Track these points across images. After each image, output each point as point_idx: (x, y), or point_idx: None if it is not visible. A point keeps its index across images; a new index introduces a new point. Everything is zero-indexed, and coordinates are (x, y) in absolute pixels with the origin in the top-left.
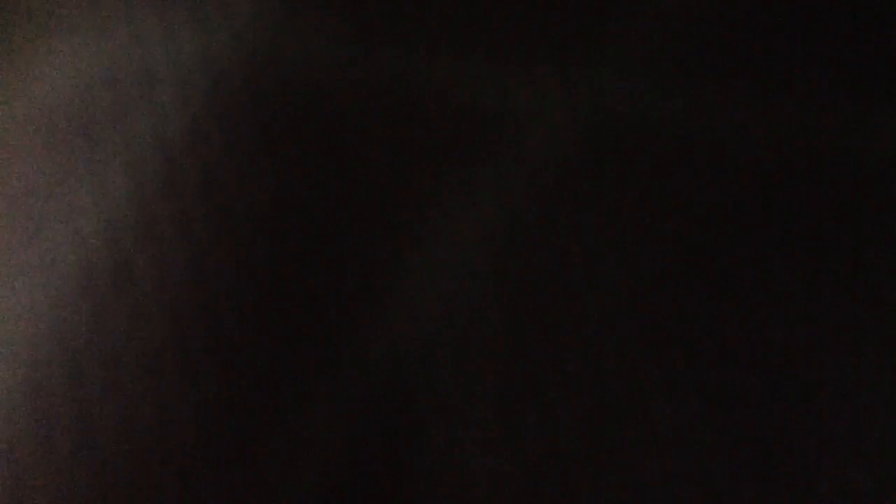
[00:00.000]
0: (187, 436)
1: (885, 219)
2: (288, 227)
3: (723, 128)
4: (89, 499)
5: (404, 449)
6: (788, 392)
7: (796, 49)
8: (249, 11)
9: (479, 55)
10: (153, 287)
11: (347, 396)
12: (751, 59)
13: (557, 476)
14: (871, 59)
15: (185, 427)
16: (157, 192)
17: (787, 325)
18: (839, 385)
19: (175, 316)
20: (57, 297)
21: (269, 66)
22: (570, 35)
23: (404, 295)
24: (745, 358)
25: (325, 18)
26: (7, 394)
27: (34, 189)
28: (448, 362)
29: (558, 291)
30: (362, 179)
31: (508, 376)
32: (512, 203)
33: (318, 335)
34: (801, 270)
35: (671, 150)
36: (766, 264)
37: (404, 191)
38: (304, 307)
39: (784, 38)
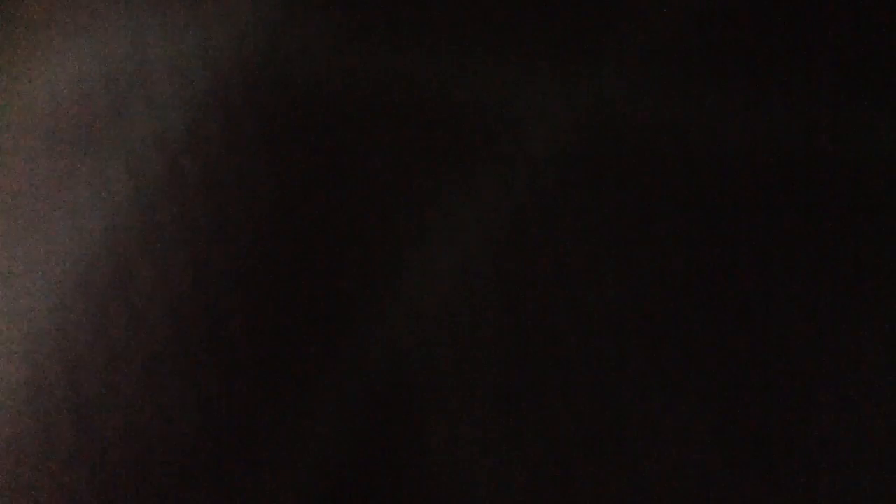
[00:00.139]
0: (187, 435)
1: (885, 219)
2: (288, 227)
3: (723, 128)
4: (89, 498)
5: (404, 449)
6: (788, 392)
7: (796, 49)
8: (249, 12)
9: (479, 55)
10: (153, 287)
11: (347, 396)
12: (751, 59)
13: (557, 476)
14: (871, 59)
15: (185, 427)
16: (157, 191)
17: (788, 325)
18: (839, 385)
19: (175, 316)
20: (57, 297)
21: (269, 66)
22: (570, 35)
23: (404, 295)
24: (745, 358)
25: (326, 19)
26: (7, 393)
27: (35, 189)
28: (448, 362)
29: (558, 291)
30: (362, 179)
31: (508, 376)
32: (512, 202)
33: (318, 335)
34: (801, 270)
35: (671, 149)
36: (766, 264)
37: (404, 190)
38: (304, 307)
39: (784, 38)
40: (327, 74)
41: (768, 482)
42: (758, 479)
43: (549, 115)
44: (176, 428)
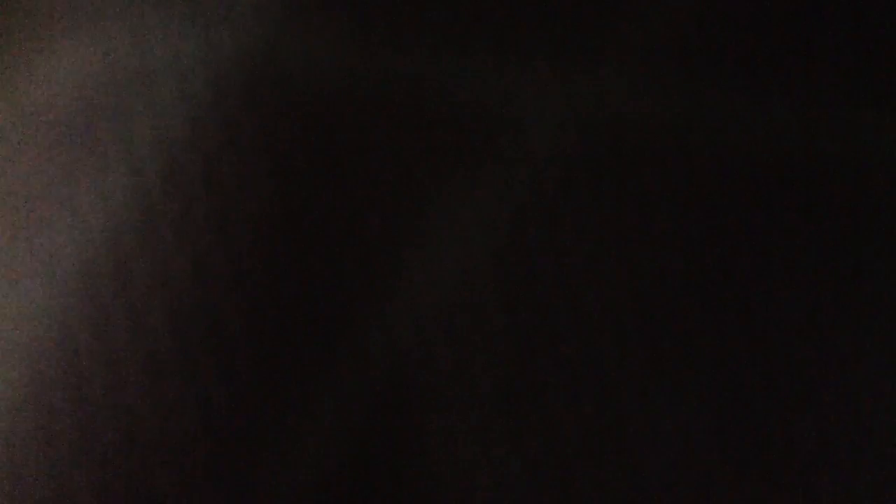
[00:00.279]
0: (187, 435)
1: (885, 219)
2: (288, 227)
3: (723, 128)
4: (90, 498)
5: (404, 449)
6: (788, 392)
7: (796, 49)
8: (250, 11)
9: (480, 55)
10: (153, 287)
11: (347, 396)
12: (751, 60)
13: (557, 476)
14: (871, 60)
15: (185, 427)
16: (157, 191)
17: (788, 326)
18: (839, 385)
19: (175, 316)
20: (57, 297)
21: (269, 66)
22: (571, 35)
23: (404, 295)
24: (746, 358)
25: (326, 18)
26: (7, 394)
27: (35, 189)
28: (448, 362)
29: (559, 291)
30: (363, 179)
31: (508, 376)
32: (513, 203)
33: (318, 335)
34: (802, 270)
35: (672, 150)
36: (766, 264)
37: (405, 190)
38: (305, 307)
39: (784, 38)
40: (327, 74)
41: (768, 482)
42: (758, 479)
43: (549, 115)
44: (176, 428)
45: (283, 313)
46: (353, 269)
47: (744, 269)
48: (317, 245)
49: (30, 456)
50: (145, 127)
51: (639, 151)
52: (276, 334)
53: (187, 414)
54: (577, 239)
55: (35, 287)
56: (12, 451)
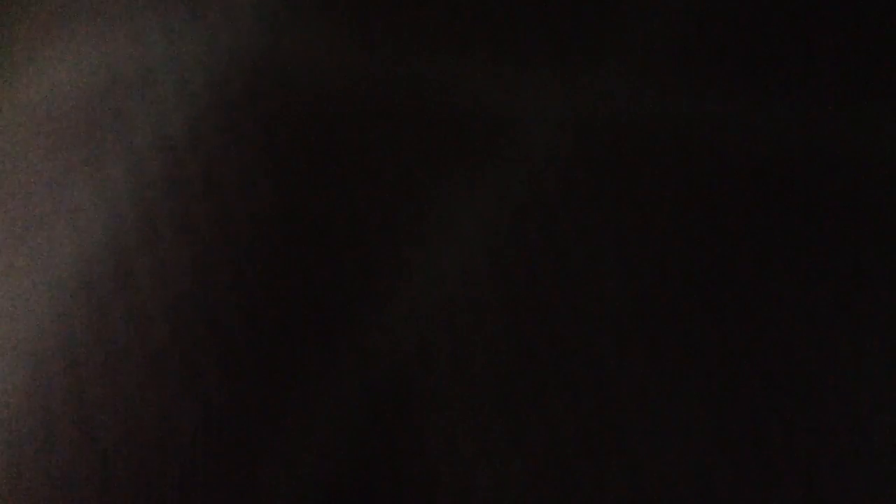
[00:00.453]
0: (188, 435)
1: (885, 219)
2: (288, 227)
3: (723, 128)
4: (89, 499)
5: (404, 449)
6: (788, 392)
7: (796, 49)
8: (250, 12)
9: (480, 56)
10: (153, 287)
11: (347, 396)
12: (751, 60)
13: (558, 476)
14: (871, 59)
15: (185, 427)
16: (158, 191)
17: (788, 326)
18: (839, 385)
19: (175, 316)
20: (57, 297)
21: (269, 66)
22: (570, 36)
23: (404, 295)
24: (746, 358)
25: (326, 19)
26: (7, 394)
27: (35, 189)
28: (448, 362)
29: (559, 291)
30: (363, 179)
31: (508, 376)
32: (513, 203)
33: (318, 335)
34: (802, 270)
35: (671, 150)
36: (766, 264)
37: (405, 191)
38: (305, 307)
39: (784, 38)
40: (327, 74)
41: (768, 482)
42: (758, 479)
43: (549, 115)
44: (176, 428)
45: (283, 313)
46: (353, 269)
47: (744, 269)
48: (317, 245)
49: (30, 456)
50: (145, 127)
51: (638, 152)
52: (276, 334)
53: (187, 414)
54: (577, 239)
55: (35, 287)
56: (12, 451)
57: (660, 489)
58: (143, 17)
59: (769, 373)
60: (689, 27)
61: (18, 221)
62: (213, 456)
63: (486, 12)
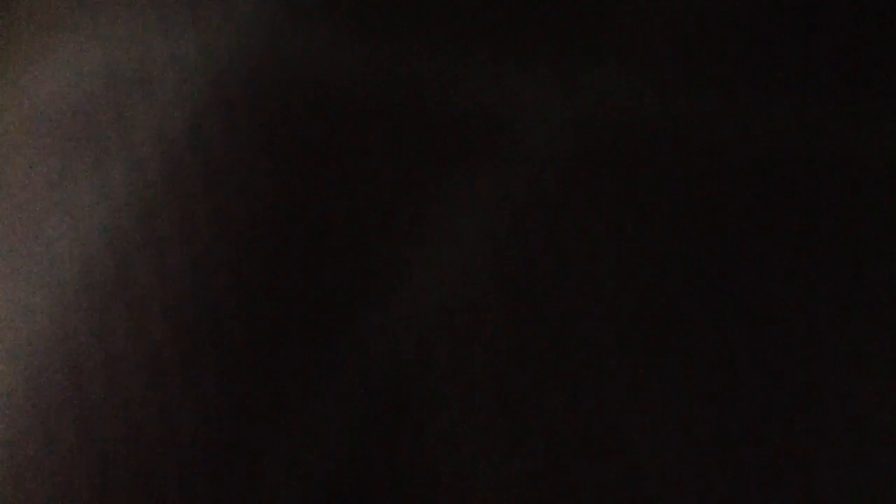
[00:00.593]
0: (188, 435)
1: (885, 219)
2: (288, 227)
3: (723, 128)
4: (90, 498)
5: (404, 449)
6: (788, 392)
7: (796, 49)
8: (250, 11)
9: (479, 55)
10: (153, 287)
11: (347, 396)
12: (751, 59)
13: (557, 476)
14: (871, 59)
15: (185, 427)
16: (157, 191)
17: (788, 326)
18: (839, 385)
19: (175, 316)
20: (57, 297)
21: (269, 66)
22: (570, 35)
23: (404, 295)
24: (746, 358)
25: (326, 18)
26: (7, 394)
27: (35, 188)
28: (448, 362)
29: (558, 291)
30: (363, 179)
31: (508, 376)
32: (512, 203)
33: (318, 334)
34: (802, 270)
35: (671, 150)
36: (766, 264)
37: (405, 191)
38: (305, 307)
39: (784, 38)
40: (328, 74)
41: (768, 482)
42: (758, 479)
43: (549, 115)
44: (176, 428)
45: (283, 313)
46: (353, 269)
47: (744, 269)
48: (317, 245)
49: (30, 456)
50: (145, 127)
51: (638, 151)
52: (276, 334)
53: (187, 413)
54: (577, 239)
55: (35, 287)
56: (12, 451)
57: (660, 489)
58: (143, 17)
59: (769, 373)
60: (689, 27)
61: (18, 221)
62: (213, 456)
63: (486, 12)
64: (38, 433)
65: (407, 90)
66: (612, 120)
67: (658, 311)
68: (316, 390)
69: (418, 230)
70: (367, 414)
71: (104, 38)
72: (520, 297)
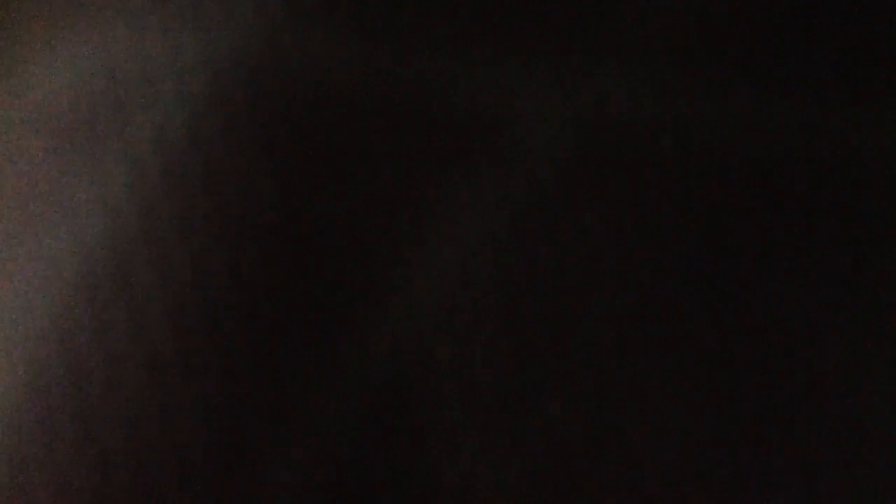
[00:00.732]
0: (188, 435)
1: (885, 219)
2: (288, 227)
3: (723, 128)
4: (90, 499)
5: (404, 449)
6: (788, 392)
7: (796, 49)
8: (250, 11)
9: (479, 56)
10: (153, 287)
11: (348, 396)
12: (751, 60)
13: (558, 476)
14: (871, 59)
15: (185, 427)
16: (157, 191)
17: (788, 325)
18: (839, 385)
19: (175, 316)
20: (57, 297)
21: (269, 66)
22: (570, 36)
23: (404, 295)
24: (746, 358)
25: (326, 19)
26: (7, 394)
27: (34, 189)
28: (448, 362)
29: (558, 291)
30: (363, 179)
31: (508, 376)
32: (512, 203)
33: (318, 335)
34: (802, 270)
35: (671, 150)
36: (766, 264)
37: (405, 191)
38: (305, 307)
39: (784, 38)
40: (328, 74)
41: (768, 482)
42: (758, 478)
43: (549, 115)
44: (176, 428)
45: (283, 313)
46: (354, 269)
47: (744, 269)
48: (317, 245)
49: (30, 456)
50: (145, 127)
51: (638, 151)
52: (276, 334)
53: (187, 413)
54: (577, 239)
55: (35, 287)
56: (12, 451)
57: (660, 489)
58: (143, 17)
59: (769, 373)
60: (689, 27)
61: (18, 221)
62: (213, 456)
63: (486, 12)
64: (38, 433)
65: (407, 90)
66: (612, 120)
67: (658, 311)
68: (316, 390)
69: (418, 230)
70: (367, 414)
71: (104, 38)
72: (520, 297)
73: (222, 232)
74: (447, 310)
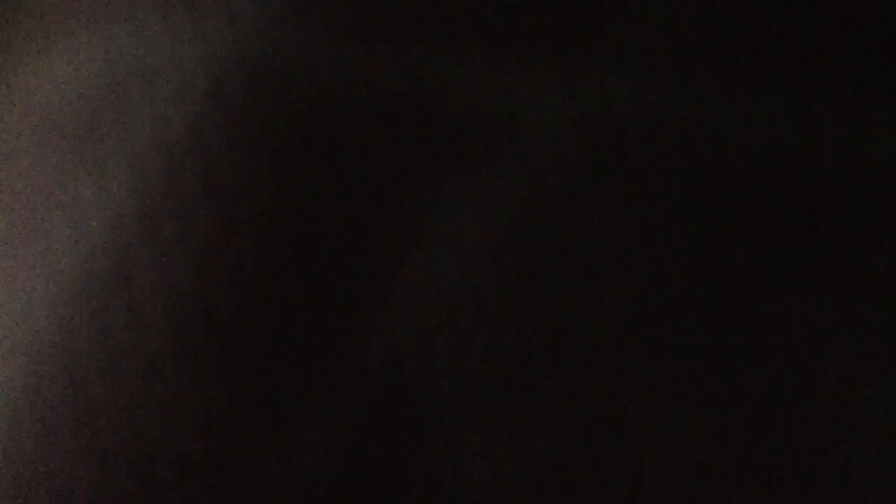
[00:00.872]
0: (188, 436)
1: (885, 219)
2: (288, 227)
3: (723, 127)
4: (90, 499)
5: (404, 449)
6: (788, 392)
7: (797, 49)
8: (250, 11)
9: (479, 55)
10: (153, 287)
11: (348, 396)
12: (751, 59)
13: (558, 476)
14: (871, 59)
15: (185, 427)
16: (157, 191)
17: (787, 325)
18: (839, 385)
19: (175, 316)
20: (57, 297)
21: (269, 66)
22: (570, 35)
23: (404, 295)
24: (746, 358)
25: (326, 19)
26: (7, 394)
27: (35, 189)
28: (448, 362)
29: (559, 291)
30: (363, 179)
31: (508, 376)
32: (512, 203)
33: (318, 335)
34: (802, 270)
35: (671, 150)
36: (766, 264)
37: (405, 191)
38: (305, 307)
39: (784, 38)
40: (327, 74)
41: (768, 482)
42: (758, 479)
43: (550, 114)
44: (176, 428)
45: (282, 313)
46: (354, 269)
47: (744, 269)
48: (317, 245)
49: (30, 456)
50: (145, 127)
51: (639, 151)
52: (276, 334)
53: (187, 413)
54: (577, 239)
55: (35, 287)
56: (12, 452)
57: (660, 489)
58: (144, 17)
59: (769, 373)
60: (690, 27)
61: (18, 221)
62: (213, 456)
63: (486, 12)
64: (38, 433)
65: (406, 90)
66: (613, 120)
67: (658, 311)
68: (316, 390)
69: (418, 230)
70: (367, 414)
71: (104, 38)
72: (520, 297)
73: (222, 232)
74: (447, 310)
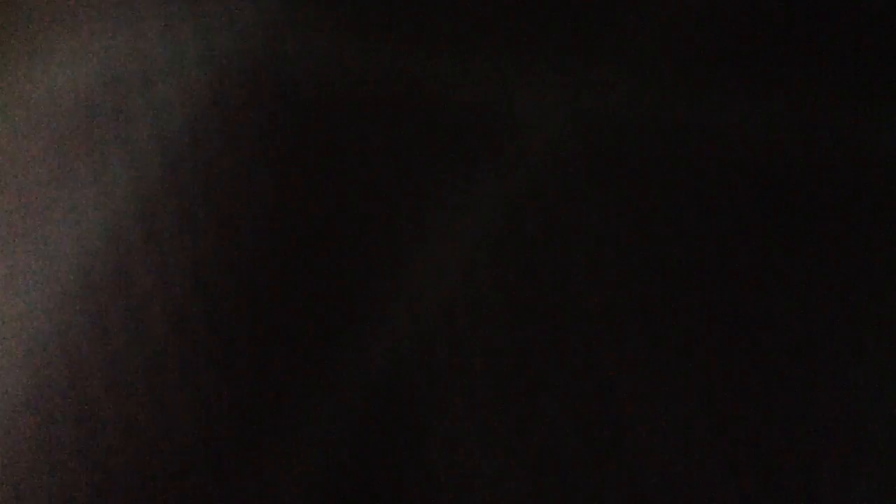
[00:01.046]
0: (188, 436)
1: (885, 219)
2: (288, 227)
3: (723, 128)
4: (90, 499)
5: (404, 449)
6: (788, 391)
7: (797, 49)
8: (250, 11)
9: (479, 55)
10: (153, 287)
11: (348, 396)
12: (751, 60)
13: (558, 476)
14: (871, 59)
15: (185, 427)
16: (158, 191)
17: (787, 325)
18: (839, 384)
19: (175, 316)
20: (57, 297)
21: (269, 65)
22: (570, 35)
23: (404, 295)
24: (745, 357)
25: (326, 18)
26: (7, 394)
27: (35, 189)
28: (448, 362)
29: (558, 291)
30: (362, 179)
31: (508, 376)
32: (512, 203)
33: (318, 335)
34: (801, 270)
35: (671, 149)
36: (766, 264)
37: (405, 190)
38: (305, 307)
39: (784, 38)
40: (327, 74)
41: (768, 482)
42: (758, 479)
43: (550, 115)
44: (176, 428)
45: (283, 313)
46: (354, 268)
47: (744, 269)
48: (317, 245)
49: (30, 456)
50: (145, 127)
51: (638, 151)
52: (277, 334)
53: (187, 414)
54: (577, 239)
55: (35, 287)
56: (12, 451)
57: (660, 489)
58: (144, 17)
59: (769, 372)
60: (689, 27)
61: (18, 220)
62: (213, 456)
63: (486, 12)
64: (38, 433)
65: (407, 90)
66: (613, 120)
67: (658, 311)
68: (316, 390)
69: (418, 230)
70: (367, 414)
71: (104, 38)
72: (520, 297)
73: (222, 232)
74: (447, 310)
